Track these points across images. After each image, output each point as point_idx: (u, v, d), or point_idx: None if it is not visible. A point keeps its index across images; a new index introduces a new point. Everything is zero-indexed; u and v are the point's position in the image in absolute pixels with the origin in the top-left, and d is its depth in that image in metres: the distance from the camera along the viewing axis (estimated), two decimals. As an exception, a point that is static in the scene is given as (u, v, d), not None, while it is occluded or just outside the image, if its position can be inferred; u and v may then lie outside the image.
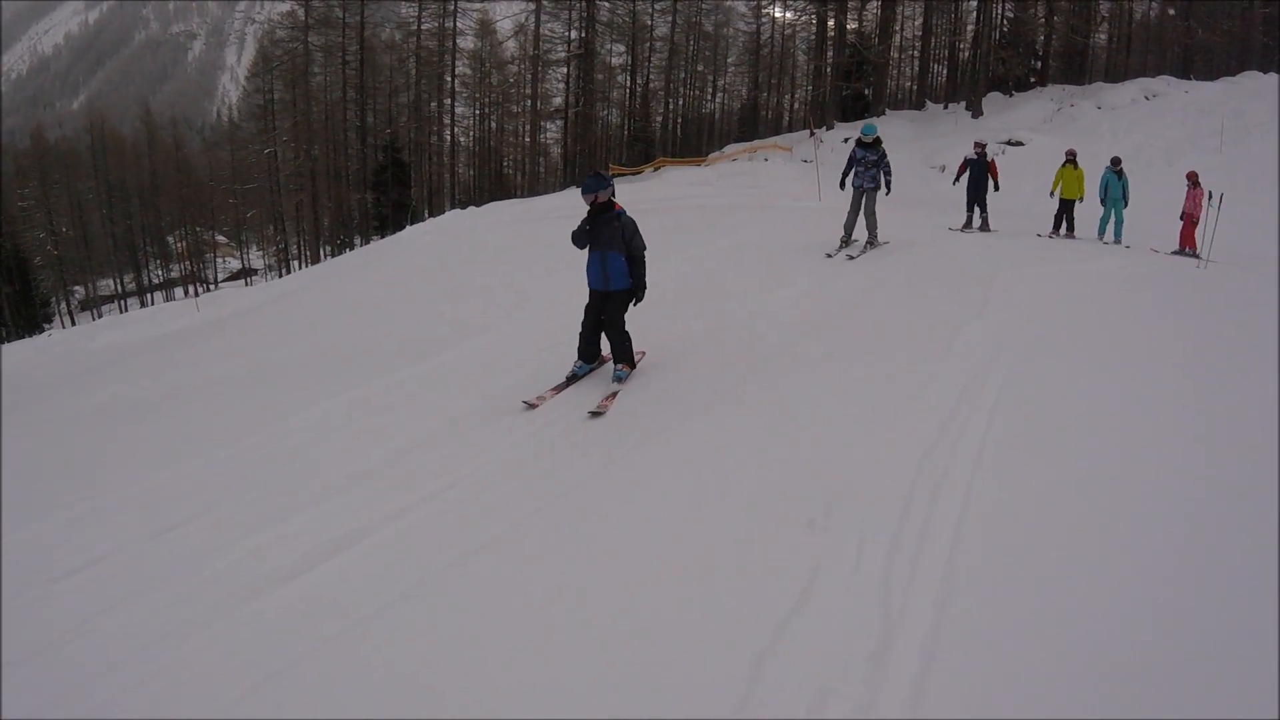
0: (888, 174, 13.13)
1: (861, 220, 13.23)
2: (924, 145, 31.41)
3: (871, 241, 13.21)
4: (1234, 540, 4.33)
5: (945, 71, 50.43)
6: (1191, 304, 10.07)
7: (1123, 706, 3.21)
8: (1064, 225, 16.61)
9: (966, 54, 43.65)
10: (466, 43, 51.11)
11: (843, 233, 13.32)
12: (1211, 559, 4.17)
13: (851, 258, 12.46)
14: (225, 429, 7.05)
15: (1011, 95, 36.99)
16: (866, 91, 40.92)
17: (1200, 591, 3.90)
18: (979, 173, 16.55)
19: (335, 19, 47.19)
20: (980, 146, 16.85)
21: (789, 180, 26.92)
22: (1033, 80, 39.62)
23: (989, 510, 4.65)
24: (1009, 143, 29.97)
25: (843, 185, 13.36)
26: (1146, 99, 31.60)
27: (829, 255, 12.68)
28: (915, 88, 47.65)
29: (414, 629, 3.91)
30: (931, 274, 11.47)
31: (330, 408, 7.28)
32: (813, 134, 28.53)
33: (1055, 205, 16.81)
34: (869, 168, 13.04)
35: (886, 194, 13.25)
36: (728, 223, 17.31)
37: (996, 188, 16.52)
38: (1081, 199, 16.61)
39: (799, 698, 3.27)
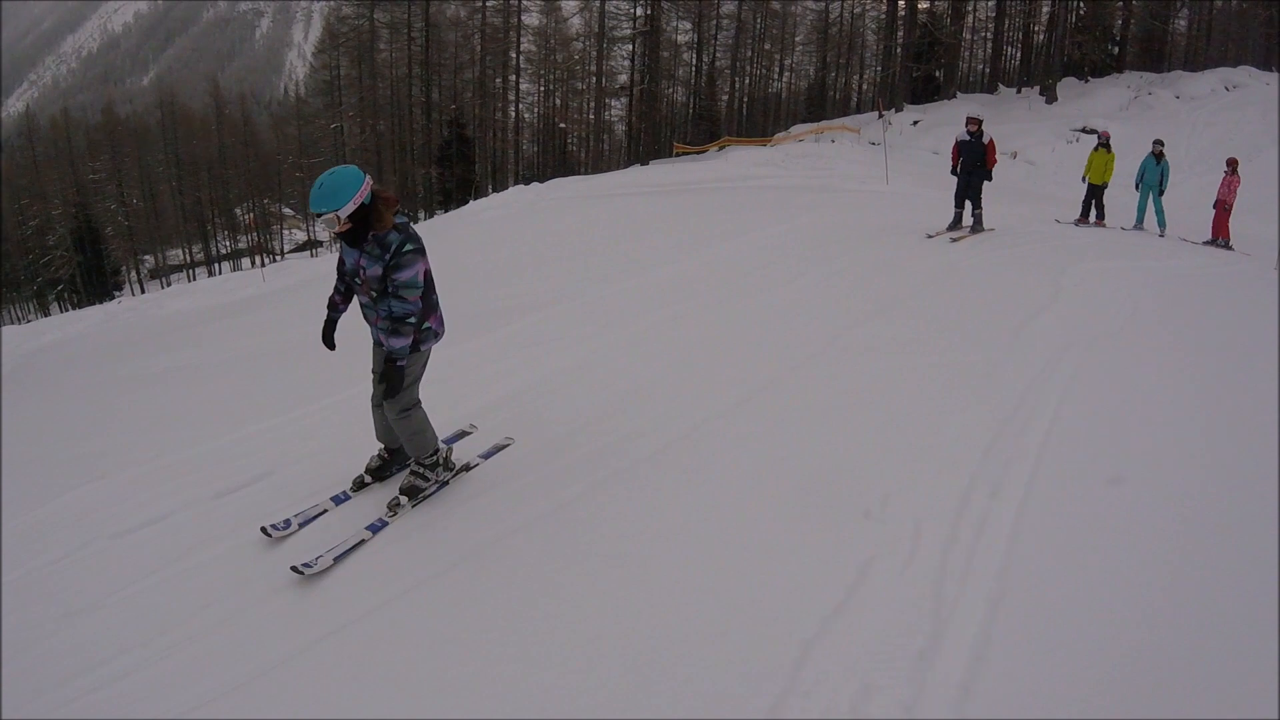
0: (400, 314, 4.44)
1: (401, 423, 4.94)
2: (995, 130, 30.42)
3: (412, 491, 4.84)
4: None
5: (1019, 55, 49.20)
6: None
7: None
8: (1093, 212, 16.00)
9: (1041, 37, 42.50)
10: (531, 19, 51.28)
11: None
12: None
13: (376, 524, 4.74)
14: (291, 394, 7.14)
15: (1087, 81, 36.05)
16: (937, 73, 40.24)
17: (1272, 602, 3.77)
18: (973, 158, 13.19)
19: (401, -4, 47.63)
20: (975, 123, 13.21)
21: (856, 163, 26.52)
22: (1110, 66, 38.50)
23: (1049, 509, 4.54)
24: (1084, 130, 29.23)
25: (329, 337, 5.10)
26: (1227, 90, 30.68)
27: (303, 568, 4.22)
28: (988, 70, 46.54)
29: (456, 603, 3.96)
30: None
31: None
32: (881, 116, 28.09)
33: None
34: (376, 295, 4.54)
35: (399, 393, 4.60)
36: (794, 204, 17.10)
37: (989, 176, 13.36)
38: (1105, 184, 15.89)
39: (843, 691, 3.23)
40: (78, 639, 3.88)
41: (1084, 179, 16.35)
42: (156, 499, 5.14)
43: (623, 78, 49.69)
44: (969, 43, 50.96)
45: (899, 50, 40.14)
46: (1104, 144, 16.13)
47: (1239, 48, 43.44)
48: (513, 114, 53.11)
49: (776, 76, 58.43)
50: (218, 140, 64.65)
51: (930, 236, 13.15)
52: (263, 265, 27.35)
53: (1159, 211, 15.58)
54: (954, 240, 12.82)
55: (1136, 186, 15.89)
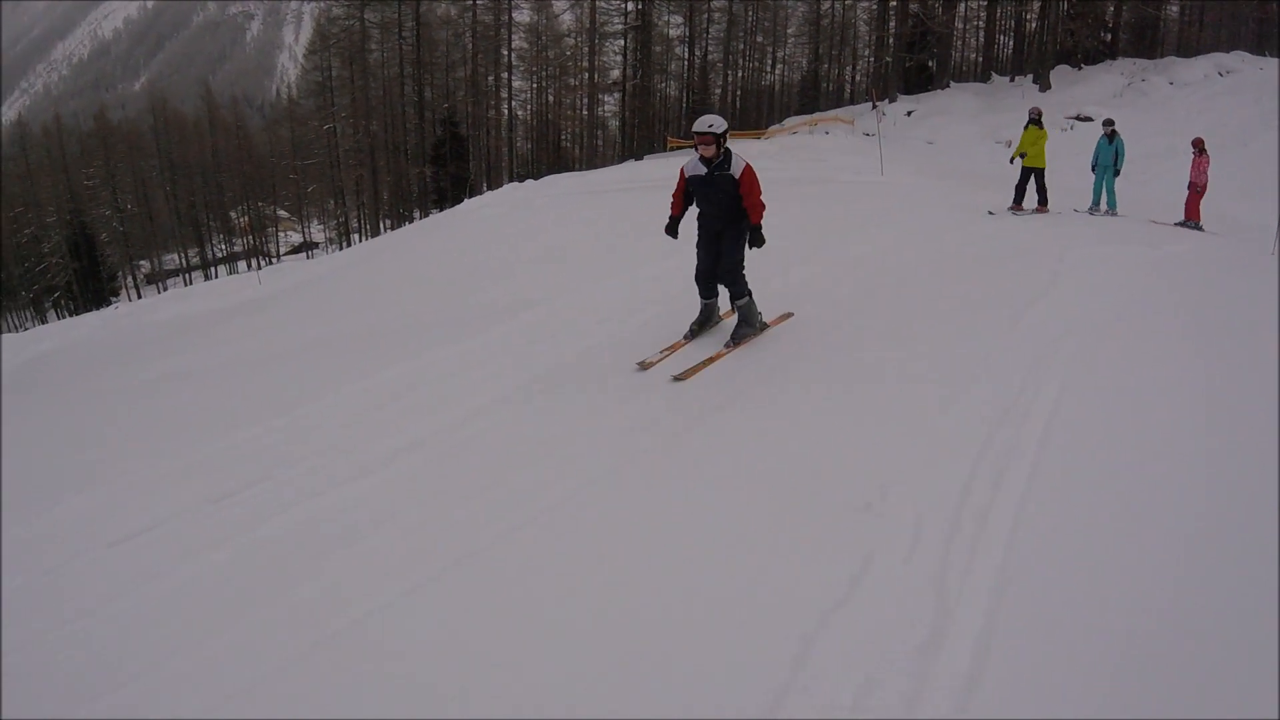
0: None
1: None
2: (989, 120, 30.78)
3: None
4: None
5: (1012, 43, 49.10)
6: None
7: (1182, 708, 3.08)
8: (1025, 197, 15.12)
9: (1034, 25, 42.42)
10: (523, 16, 51.23)
11: None
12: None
13: None
14: (285, 398, 7.10)
15: (1080, 68, 35.92)
16: (930, 63, 40.15)
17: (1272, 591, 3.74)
18: (720, 208, 7.31)
19: (391, -4, 47.55)
20: (710, 144, 7.24)
21: (850, 154, 26.46)
22: (1103, 53, 38.44)
23: (1051, 499, 4.50)
24: (1077, 118, 29.16)
25: None
26: (1220, 75, 30.64)
27: None
28: (980, 59, 46.58)
29: (462, 601, 3.92)
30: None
31: (389, 377, 7.29)
32: (875, 106, 28.03)
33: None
34: None
35: None
36: (788, 196, 17.02)
37: (758, 239, 7.18)
38: (1041, 167, 15.00)
39: (844, 687, 3.19)
40: (77, 647, 3.85)
41: (1011, 161, 15.66)
42: (150, 507, 5.11)
43: (615, 73, 49.60)
44: (961, 32, 50.95)
45: (891, 41, 40.09)
46: (1034, 121, 15.28)
47: (1231, 33, 43.48)
48: (506, 111, 53.04)
49: (769, 69, 58.44)
50: (211, 144, 64.77)
51: (642, 367, 6.93)
52: (259, 268, 27.35)
53: (1110, 192, 15.46)
54: (676, 379, 6.63)
55: (1092, 169, 15.77)
